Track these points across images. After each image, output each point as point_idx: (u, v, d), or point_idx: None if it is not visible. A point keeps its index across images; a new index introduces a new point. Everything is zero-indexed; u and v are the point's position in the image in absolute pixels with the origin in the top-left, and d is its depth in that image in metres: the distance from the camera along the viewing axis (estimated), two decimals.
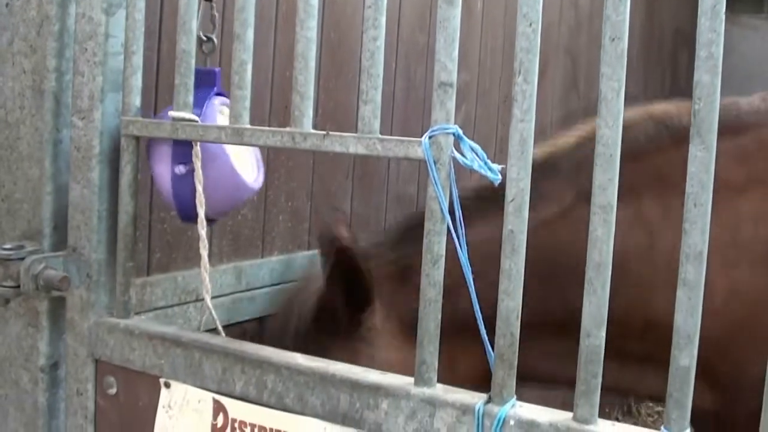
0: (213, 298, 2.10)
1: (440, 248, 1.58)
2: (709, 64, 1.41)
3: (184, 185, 2.00)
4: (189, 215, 2.05)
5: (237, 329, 2.89)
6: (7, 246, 2.03)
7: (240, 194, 2.11)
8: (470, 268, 1.58)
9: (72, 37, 2.04)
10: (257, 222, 3.03)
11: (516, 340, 1.52)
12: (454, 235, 1.56)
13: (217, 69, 2.10)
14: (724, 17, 1.42)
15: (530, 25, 1.51)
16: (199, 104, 1.95)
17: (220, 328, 2.07)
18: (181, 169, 2.01)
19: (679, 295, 1.38)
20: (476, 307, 1.56)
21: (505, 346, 1.52)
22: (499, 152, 4.70)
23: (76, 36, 2.02)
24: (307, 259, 3.29)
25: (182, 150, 1.98)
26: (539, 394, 2.04)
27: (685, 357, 1.39)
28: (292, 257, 3.22)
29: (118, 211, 2.01)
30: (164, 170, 2.02)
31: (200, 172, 1.94)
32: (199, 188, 1.94)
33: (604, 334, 1.45)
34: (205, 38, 2.07)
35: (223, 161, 2.01)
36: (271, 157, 3.00)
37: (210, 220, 2.07)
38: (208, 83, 2.05)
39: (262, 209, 3.04)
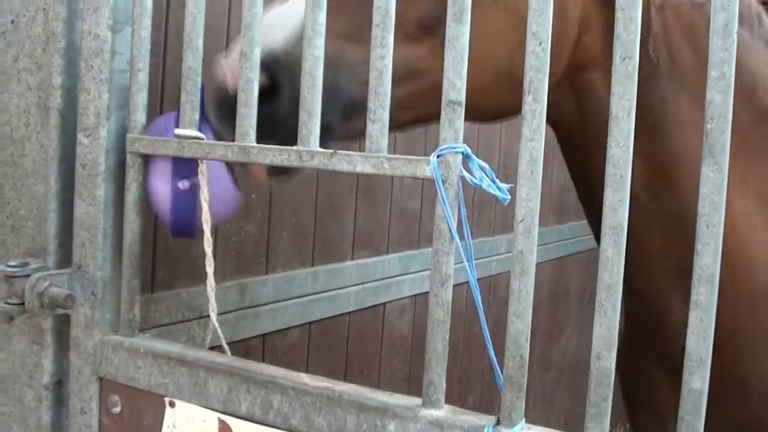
0: (217, 315, 2.09)
1: (448, 268, 1.56)
2: (722, 83, 1.40)
3: (185, 200, 1.99)
4: (185, 230, 2.04)
5: (242, 347, 2.88)
6: (12, 263, 2.02)
7: (235, 205, 2.10)
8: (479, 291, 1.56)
9: (78, 53, 2.03)
10: (261, 238, 3.02)
11: (525, 363, 1.51)
12: (462, 255, 1.55)
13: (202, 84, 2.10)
14: (736, 36, 1.41)
15: (540, 44, 1.50)
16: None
17: (225, 347, 2.05)
18: (185, 183, 2.00)
19: (692, 318, 1.37)
20: (485, 328, 1.54)
21: (514, 368, 1.51)
22: (502, 166, 4.70)
23: (82, 53, 2.01)
24: (311, 275, 3.28)
25: (186, 165, 1.97)
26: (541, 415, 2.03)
27: (696, 380, 1.38)
28: (296, 273, 3.22)
29: (124, 228, 2.00)
30: (163, 185, 2.01)
31: (206, 189, 1.93)
32: (205, 206, 1.93)
33: (614, 356, 1.44)
34: None
35: (221, 174, 2.01)
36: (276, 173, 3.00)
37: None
38: None
39: (266, 225, 3.04)
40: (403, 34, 1.86)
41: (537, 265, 1.53)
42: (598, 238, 2.42)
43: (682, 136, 2.24)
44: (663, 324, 2.41)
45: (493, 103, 1.91)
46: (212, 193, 1.98)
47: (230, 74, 1.87)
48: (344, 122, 1.79)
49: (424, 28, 1.94)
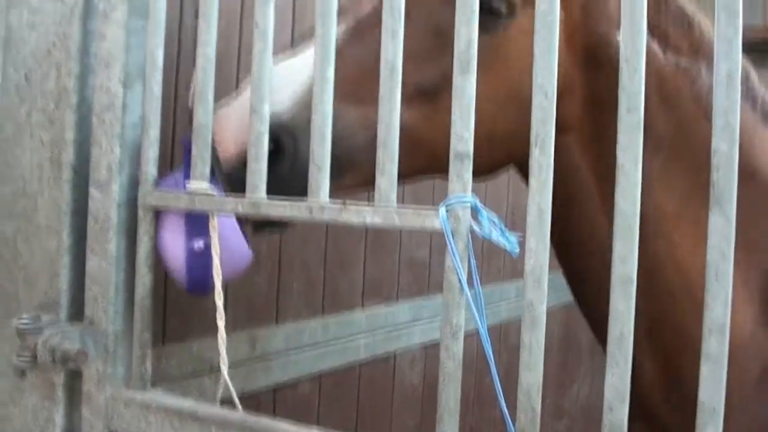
0: (228, 367, 2.10)
1: (459, 320, 1.57)
2: (727, 132, 1.41)
3: (200, 260, 2.00)
4: (200, 289, 2.05)
5: (253, 401, 2.88)
6: (25, 317, 2.03)
7: (247, 262, 2.11)
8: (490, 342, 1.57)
9: (90, 109, 2.06)
10: (271, 289, 3.03)
11: (537, 415, 1.51)
12: (473, 307, 1.55)
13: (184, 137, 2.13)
14: (739, 86, 1.42)
15: (546, 96, 1.52)
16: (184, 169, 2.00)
17: (237, 402, 2.05)
18: (200, 244, 2.01)
19: (703, 370, 1.37)
20: (496, 382, 1.55)
21: (527, 421, 1.51)
22: (510, 214, 4.71)
23: (94, 108, 2.03)
24: (321, 325, 3.28)
25: (198, 224, 1.99)
26: None
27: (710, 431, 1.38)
28: (306, 323, 3.22)
29: (135, 282, 2.00)
30: (175, 242, 2.02)
31: (218, 244, 1.94)
32: (216, 260, 1.94)
33: (627, 408, 1.44)
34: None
35: (233, 232, 2.02)
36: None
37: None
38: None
39: (275, 276, 3.04)
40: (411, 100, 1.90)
41: (547, 311, 1.53)
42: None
43: (656, 199, 2.24)
44: (636, 381, 2.40)
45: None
46: (224, 250, 1.99)
47: (230, 146, 1.90)
48: (335, 179, 1.80)
49: (421, 93, 1.96)
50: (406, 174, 1.98)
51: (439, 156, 1.69)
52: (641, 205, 2.23)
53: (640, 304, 2.26)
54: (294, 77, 1.91)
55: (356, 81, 1.87)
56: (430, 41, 2.00)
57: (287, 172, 1.89)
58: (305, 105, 1.85)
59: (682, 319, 2.20)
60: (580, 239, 2.35)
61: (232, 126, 1.92)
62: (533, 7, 1.62)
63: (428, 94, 1.96)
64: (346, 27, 1.98)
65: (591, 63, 2.17)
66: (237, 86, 2.74)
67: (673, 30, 2.29)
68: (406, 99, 1.79)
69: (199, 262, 2.00)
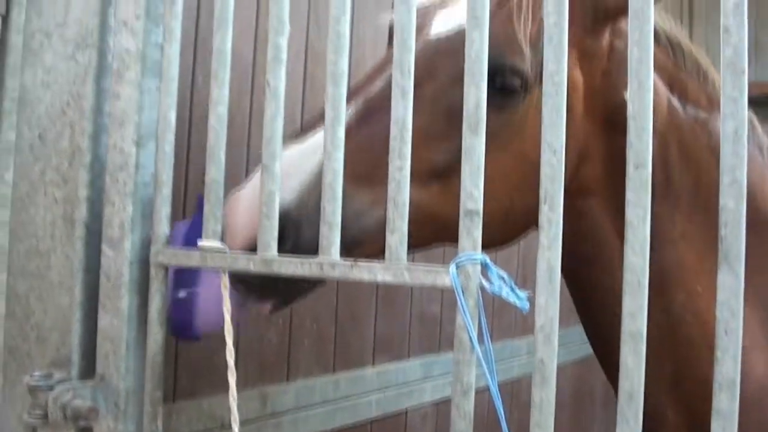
0: (239, 425, 2.09)
1: (470, 378, 1.57)
2: (734, 189, 1.43)
3: (184, 306, 2.06)
4: (188, 334, 2.08)
5: None
6: (36, 374, 2.03)
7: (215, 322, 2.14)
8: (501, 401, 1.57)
9: (103, 167, 2.08)
10: (282, 346, 3.03)
11: None
12: (484, 364, 1.55)
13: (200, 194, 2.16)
14: (746, 142, 1.44)
15: (554, 153, 1.54)
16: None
17: None
18: (182, 293, 2.05)
19: (714, 426, 1.37)
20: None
21: None
22: (521, 268, 4.71)
23: (107, 167, 2.05)
24: (332, 383, 3.28)
25: (187, 276, 2.04)
26: None
27: None
28: (317, 380, 3.21)
29: (147, 339, 2.01)
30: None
31: (228, 300, 1.95)
32: (227, 317, 1.95)
33: None
34: None
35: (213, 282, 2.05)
36: None
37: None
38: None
39: (287, 333, 3.04)
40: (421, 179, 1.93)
41: (559, 367, 1.54)
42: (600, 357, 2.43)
43: (677, 252, 2.26)
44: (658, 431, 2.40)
45: (486, 238, 1.95)
46: (203, 301, 2.04)
47: (237, 236, 1.94)
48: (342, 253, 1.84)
49: (433, 172, 1.98)
50: (416, 245, 2.00)
51: (450, 228, 1.71)
52: (664, 259, 2.25)
53: (663, 355, 2.28)
54: (300, 165, 1.93)
55: (365, 162, 1.89)
56: (442, 122, 2.02)
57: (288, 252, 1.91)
58: (311, 192, 1.90)
59: (705, 370, 2.20)
60: (603, 298, 2.37)
61: (240, 216, 1.94)
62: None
63: (440, 173, 1.98)
64: (355, 108, 2.00)
65: (612, 127, 2.19)
66: (248, 144, 2.77)
67: (691, 83, 2.33)
68: (417, 177, 1.82)
69: (184, 307, 2.03)
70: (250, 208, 1.92)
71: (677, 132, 2.27)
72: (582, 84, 2.14)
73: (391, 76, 1.92)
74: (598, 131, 2.20)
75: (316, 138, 1.95)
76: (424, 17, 2.11)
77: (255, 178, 1.95)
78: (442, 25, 2.11)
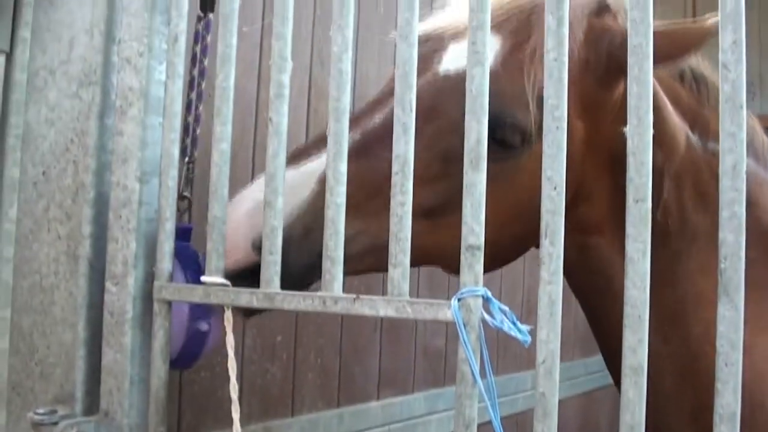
0: None
1: (472, 412, 1.57)
2: (733, 223, 1.44)
3: (199, 341, 2.09)
4: (185, 365, 2.10)
5: None
6: (40, 411, 2.03)
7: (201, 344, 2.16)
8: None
9: (106, 204, 2.09)
10: (286, 380, 3.03)
11: None
12: (486, 398, 1.56)
13: (190, 225, 2.17)
14: (745, 176, 1.45)
15: (555, 188, 1.55)
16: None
17: None
18: (204, 325, 2.06)
19: None
20: None
21: None
22: (526, 301, 4.71)
23: (110, 203, 2.06)
24: (336, 417, 3.27)
25: (203, 307, 2.06)
26: None
27: None
28: (321, 415, 3.21)
29: (150, 375, 2.02)
30: (179, 325, 2.06)
31: (231, 336, 1.96)
32: (231, 353, 1.96)
33: None
34: (180, 197, 2.15)
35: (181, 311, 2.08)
36: (300, 315, 3.03)
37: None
38: (183, 239, 2.13)
39: (291, 367, 3.05)
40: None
41: (564, 401, 1.54)
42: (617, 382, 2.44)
43: (693, 284, 2.28)
44: None
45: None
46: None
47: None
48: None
49: (425, 212, 1.99)
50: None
51: (436, 259, 1.73)
52: (682, 292, 2.26)
53: (685, 387, 2.29)
54: (292, 191, 1.94)
55: (353, 194, 1.89)
56: (437, 166, 2.03)
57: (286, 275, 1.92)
58: (301, 218, 1.95)
59: None
60: (615, 329, 2.39)
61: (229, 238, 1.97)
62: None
63: (431, 213, 1.99)
64: (350, 140, 2.01)
65: (620, 170, 2.20)
66: (252, 181, 2.78)
67: (714, 118, 2.33)
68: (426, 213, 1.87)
69: (199, 342, 2.09)
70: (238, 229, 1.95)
71: (694, 170, 2.29)
72: (583, 132, 2.15)
73: (386, 110, 1.95)
74: (602, 174, 2.21)
75: (308, 166, 1.96)
76: (436, 46, 2.11)
77: (243, 203, 1.98)
78: (452, 60, 2.12)
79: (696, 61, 2.35)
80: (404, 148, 1.68)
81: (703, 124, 2.33)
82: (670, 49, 2.00)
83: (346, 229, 1.88)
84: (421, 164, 1.93)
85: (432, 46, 2.13)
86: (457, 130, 1.95)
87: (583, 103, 2.13)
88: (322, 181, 1.87)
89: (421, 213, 1.96)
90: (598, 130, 2.18)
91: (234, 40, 1.96)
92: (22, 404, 2.18)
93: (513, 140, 2.03)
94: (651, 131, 1.51)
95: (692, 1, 10.98)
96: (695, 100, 2.34)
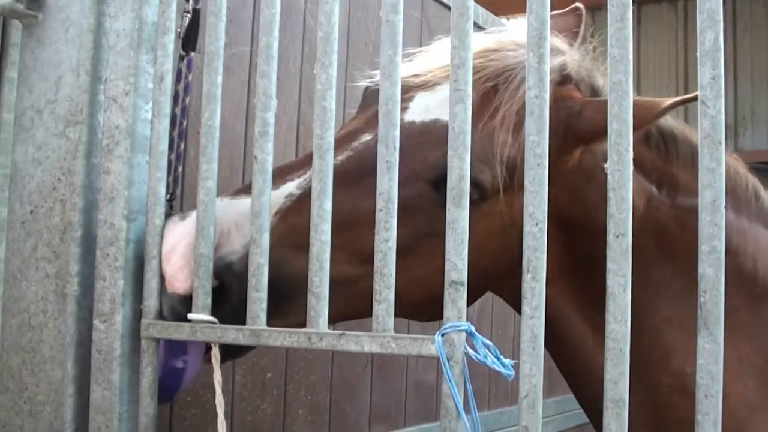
0: None
1: None
2: (712, 258, 1.45)
3: (176, 377, 2.11)
4: (165, 399, 2.12)
5: None
6: None
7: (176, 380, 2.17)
8: None
9: (94, 242, 2.10)
10: (277, 417, 3.03)
11: None
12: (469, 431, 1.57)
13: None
14: (724, 212, 1.47)
15: (537, 224, 1.56)
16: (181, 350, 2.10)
17: None
18: (179, 363, 2.08)
19: None
20: None
21: None
22: (517, 335, 4.70)
23: (98, 242, 2.07)
24: None
25: (178, 345, 2.08)
26: None
27: None
28: None
29: (139, 412, 2.02)
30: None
31: (219, 373, 1.96)
32: (218, 389, 1.96)
33: None
34: None
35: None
36: (290, 351, 3.03)
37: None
38: None
39: (281, 403, 3.04)
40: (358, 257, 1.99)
41: None
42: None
43: (660, 337, 2.32)
44: None
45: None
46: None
47: (176, 281, 1.97)
48: (276, 318, 1.89)
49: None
50: (349, 317, 2.05)
51: (401, 302, 1.75)
52: (647, 344, 2.27)
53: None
54: (246, 222, 1.95)
55: (302, 232, 1.90)
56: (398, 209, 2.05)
57: (237, 306, 1.94)
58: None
59: None
60: (575, 379, 2.47)
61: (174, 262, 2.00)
62: (501, 195, 1.95)
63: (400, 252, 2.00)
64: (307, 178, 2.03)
65: (570, 229, 2.23)
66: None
67: (683, 173, 2.38)
68: (361, 256, 1.90)
69: (175, 379, 2.11)
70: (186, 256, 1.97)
71: (657, 227, 2.30)
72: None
73: (350, 147, 1.97)
74: (553, 233, 2.23)
75: (274, 195, 1.97)
76: (402, 95, 2.15)
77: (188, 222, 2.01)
78: (419, 111, 2.14)
79: (664, 120, 2.36)
80: (388, 185, 1.70)
81: (671, 180, 2.35)
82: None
83: (295, 267, 1.90)
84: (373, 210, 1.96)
85: (406, 90, 2.14)
86: (417, 181, 2.02)
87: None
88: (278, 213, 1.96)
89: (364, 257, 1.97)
90: (554, 197, 2.20)
91: (219, 79, 1.98)
92: None
93: (472, 194, 2.06)
94: (631, 167, 1.54)
95: (683, 35, 11.08)
96: (662, 159, 2.36)
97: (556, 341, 2.28)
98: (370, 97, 2.24)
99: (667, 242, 2.32)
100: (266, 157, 1.89)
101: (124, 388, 2.05)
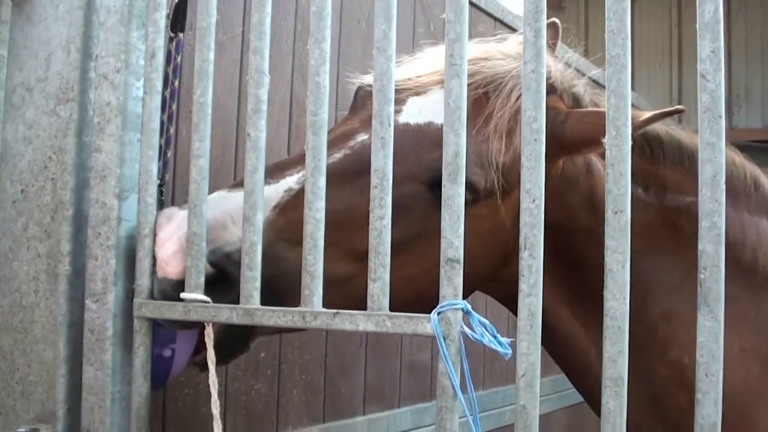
0: None
1: (453, 425, 1.56)
2: (712, 234, 1.43)
3: (164, 366, 2.10)
4: (155, 387, 2.10)
5: None
6: (21, 429, 2.03)
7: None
8: None
9: (85, 221, 2.08)
10: (271, 396, 3.01)
11: None
12: (467, 412, 1.55)
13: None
14: (724, 187, 1.45)
15: (534, 201, 1.54)
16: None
17: None
18: (167, 351, 2.06)
19: None
20: None
21: None
22: (511, 316, 4.69)
23: (89, 220, 2.05)
24: None
25: (165, 334, 2.07)
26: None
27: None
28: (307, 431, 3.19)
29: (131, 392, 2.01)
30: None
31: (212, 352, 1.95)
32: (212, 369, 1.95)
33: None
34: None
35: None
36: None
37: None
38: None
39: (275, 383, 3.03)
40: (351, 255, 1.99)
41: (552, 414, 1.54)
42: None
43: (653, 331, 2.34)
44: None
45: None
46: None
47: (168, 266, 1.95)
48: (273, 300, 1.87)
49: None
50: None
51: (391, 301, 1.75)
52: (646, 339, 2.28)
53: (651, 421, 2.31)
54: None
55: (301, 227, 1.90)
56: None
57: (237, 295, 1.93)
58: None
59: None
60: (570, 373, 2.54)
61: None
62: (492, 197, 1.98)
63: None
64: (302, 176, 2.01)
65: (554, 231, 2.23)
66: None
67: (671, 173, 2.41)
68: (356, 257, 1.90)
69: (164, 367, 2.10)
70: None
71: (646, 228, 2.31)
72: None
73: (346, 146, 1.96)
74: None
75: (273, 189, 1.96)
76: (397, 98, 2.14)
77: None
78: (413, 114, 2.15)
79: (684, 136, 2.39)
80: (383, 162, 1.67)
81: (659, 181, 2.38)
82: (594, 134, 2.03)
83: (293, 263, 1.89)
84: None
85: (400, 92, 2.13)
86: (412, 181, 2.03)
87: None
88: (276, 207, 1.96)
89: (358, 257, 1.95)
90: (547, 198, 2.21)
91: (211, 55, 1.96)
92: (3, 423, 2.16)
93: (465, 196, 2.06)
94: (629, 142, 1.51)
95: (677, 12, 11.04)
96: (646, 161, 2.38)
97: (549, 339, 2.31)
98: (363, 98, 2.27)
99: (657, 240, 2.33)
100: (259, 135, 1.87)
101: (117, 368, 2.03)
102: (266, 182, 1.91)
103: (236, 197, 1.96)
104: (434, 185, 1.93)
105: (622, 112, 1.52)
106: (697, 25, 1.50)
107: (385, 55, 1.71)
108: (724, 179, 1.45)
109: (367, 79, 2.18)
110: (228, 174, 2.77)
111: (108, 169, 2.02)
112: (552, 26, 2.56)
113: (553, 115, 2.13)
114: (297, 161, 2.06)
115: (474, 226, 2.05)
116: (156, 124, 2.02)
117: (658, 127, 2.39)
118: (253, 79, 1.88)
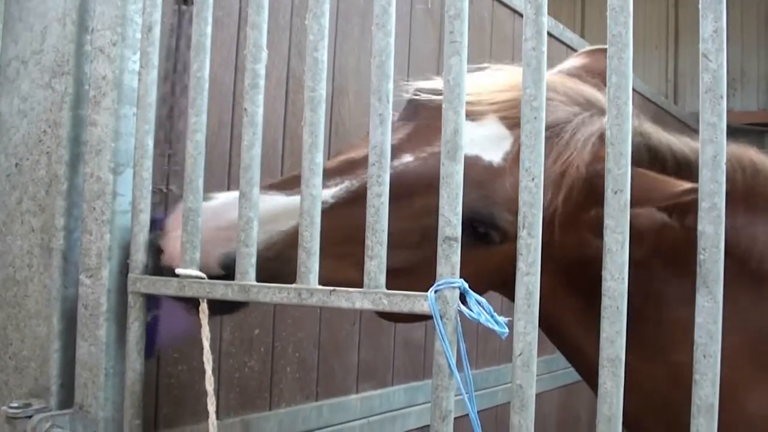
0: None
1: (449, 404, 1.56)
2: (712, 215, 1.42)
3: (150, 332, 2.09)
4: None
5: None
6: (14, 404, 2.02)
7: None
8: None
9: (80, 195, 2.07)
10: (264, 374, 3.01)
11: None
12: (463, 390, 1.54)
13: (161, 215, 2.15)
14: (725, 168, 1.44)
15: (533, 179, 1.53)
16: None
17: None
18: (149, 317, 2.07)
19: None
20: None
21: None
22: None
23: (84, 195, 2.04)
24: (315, 410, 3.26)
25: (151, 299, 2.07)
26: None
27: None
28: (300, 408, 3.19)
29: (126, 368, 2.00)
30: None
31: (207, 329, 1.94)
32: (206, 345, 1.94)
33: None
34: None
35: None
36: (278, 308, 3.00)
37: None
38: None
39: (269, 361, 3.02)
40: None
41: (546, 393, 1.53)
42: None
43: (666, 357, 2.31)
44: None
45: None
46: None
47: (174, 254, 1.95)
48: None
49: (394, 273, 1.93)
50: None
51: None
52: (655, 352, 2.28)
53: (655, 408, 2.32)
54: (275, 218, 1.91)
55: (336, 240, 1.89)
56: (416, 238, 2.00)
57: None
58: (275, 246, 1.92)
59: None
60: (572, 361, 2.52)
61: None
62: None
63: (398, 273, 1.94)
64: (342, 187, 1.98)
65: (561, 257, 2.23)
66: (229, 173, 2.76)
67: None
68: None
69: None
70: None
71: (669, 249, 2.30)
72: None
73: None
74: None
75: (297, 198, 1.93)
76: (429, 121, 2.08)
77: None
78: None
79: (683, 141, 2.36)
80: (381, 138, 1.66)
81: (682, 205, 2.34)
82: (645, 199, 2.06)
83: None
84: (404, 232, 1.94)
85: (425, 120, 2.08)
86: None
87: (560, 219, 2.15)
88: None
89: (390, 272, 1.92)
90: (553, 234, 2.18)
91: (209, 29, 1.94)
92: None
93: (494, 238, 2.03)
94: (630, 121, 1.50)
95: None
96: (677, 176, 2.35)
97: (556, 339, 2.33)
98: (414, 109, 2.16)
99: (676, 258, 2.31)
100: (256, 110, 1.86)
101: (111, 344, 2.03)
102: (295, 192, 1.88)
103: (265, 200, 1.91)
104: (467, 226, 1.87)
105: (623, 91, 1.50)
106: (700, 4, 1.48)
107: (384, 31, 1.70)
108: (725, 160, 1.44)
109: (423, 85, 2.13)
110: (224, 151, 2.76)
111: (103, 143, 2.00)
112: (603, 53, 2.47)
113: (598, 168, 1.99)
114: (336, 172, 2.01)
115: (492, 261, 2.08)
116: (152, 99, 2.00)
117: (690, 149, 2.36)
118: (251, 54, 1.86)
